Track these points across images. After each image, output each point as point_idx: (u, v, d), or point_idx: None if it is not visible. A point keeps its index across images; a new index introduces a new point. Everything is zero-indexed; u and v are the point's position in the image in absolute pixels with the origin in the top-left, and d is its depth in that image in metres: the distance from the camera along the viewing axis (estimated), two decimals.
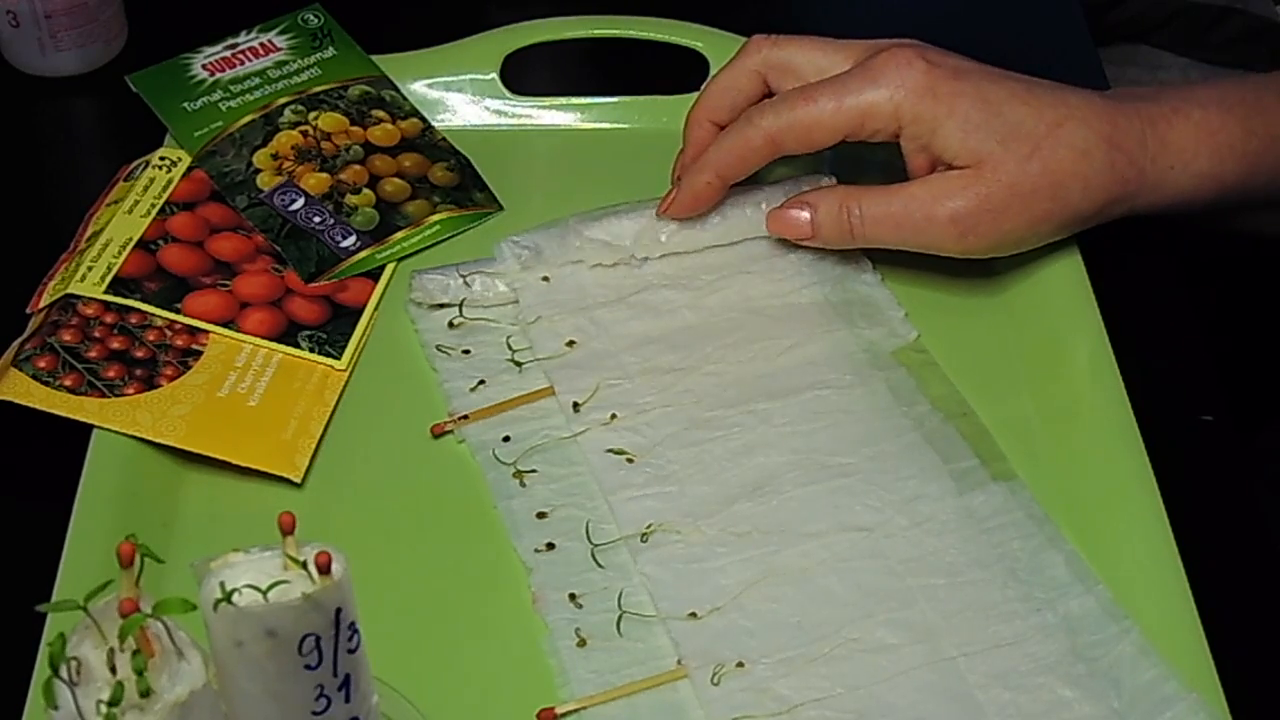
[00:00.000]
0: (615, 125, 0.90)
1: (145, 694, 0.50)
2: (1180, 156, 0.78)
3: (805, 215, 0.80)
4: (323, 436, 0.76)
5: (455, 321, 0.80)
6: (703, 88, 0.83)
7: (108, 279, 0.80)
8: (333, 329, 0.80)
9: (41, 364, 0.76)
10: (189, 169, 0.86)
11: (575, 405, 0.76)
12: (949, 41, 0.80)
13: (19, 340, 0.77)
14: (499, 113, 0.91)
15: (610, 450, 0.75)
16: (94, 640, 0.51)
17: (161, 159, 0.86)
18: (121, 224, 0.82)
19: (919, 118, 0.76)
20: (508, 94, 0.91)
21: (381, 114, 0.89)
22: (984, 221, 0.77)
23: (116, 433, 0.74)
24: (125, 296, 0.79)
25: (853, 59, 0.79)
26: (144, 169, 0.86)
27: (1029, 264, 0.82)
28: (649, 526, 0.72)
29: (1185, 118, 0.78)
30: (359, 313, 0.81)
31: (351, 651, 0.52)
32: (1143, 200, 0.79)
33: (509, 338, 0.80)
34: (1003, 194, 0.77)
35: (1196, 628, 0.67)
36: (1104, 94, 0.80)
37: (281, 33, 0.92)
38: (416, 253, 0.84)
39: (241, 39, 0.92)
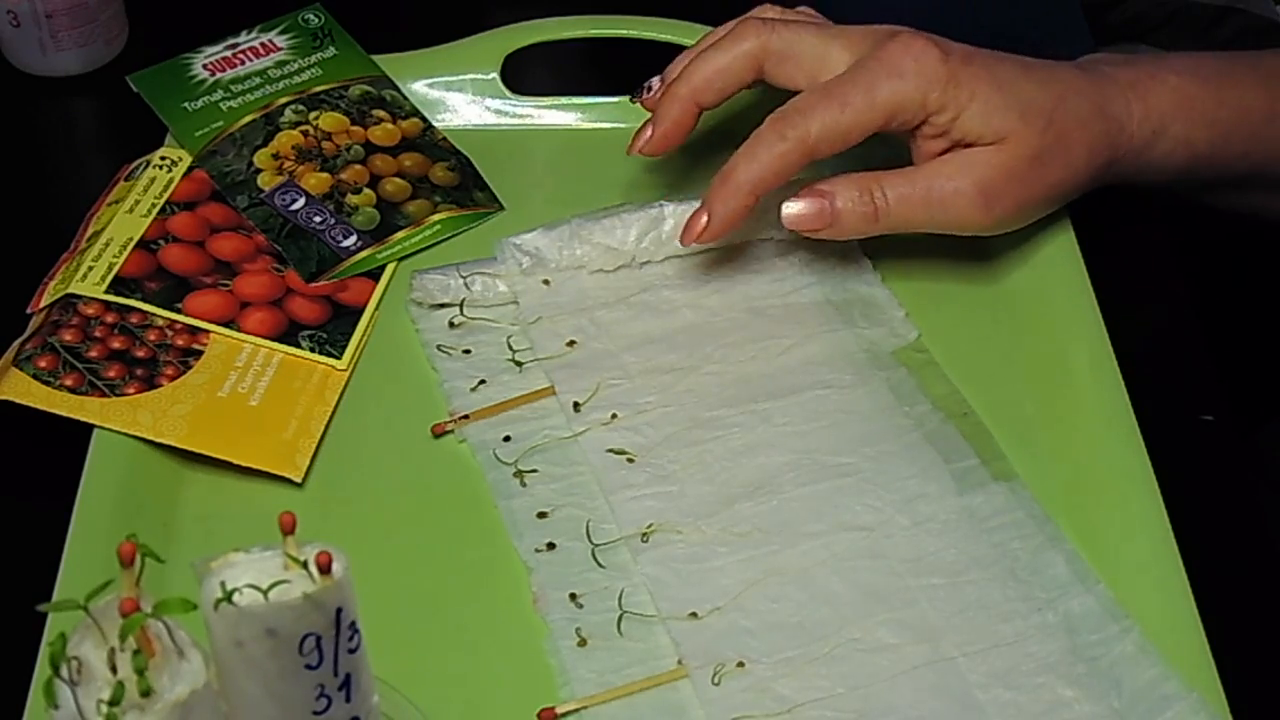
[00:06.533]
0: (615, 125, 0.90)
1: (146, 694, 0.50)
2: (1160, 121, 0.80)
3: (824, 205, 0.78)
4: (323, 436, 0.76)
5: (456, 321, 0.80)
6: (690, 64, 0.80)
7: (108, 279, 0.80)
8: (333, 329, 0.80)
9: (42, 364, 0.76)
10: (189, 169, 0.86)
11: (576, 405, 0.76)
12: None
13: (19, 340, 0.77)
14: (499, 112, 0.91)
15: (611, 450, 0.75)
16: (94, 640, 0.51)
17: (162, 159, 0.86)
18: (122, 224, 0.82)
19: (944, 106, 0.77)
20: (508, 94, 0.91)
21: (382, 114, 0.89)
22: (1008, 192, 0.78)
23: (117, 432, 0.74)
24: (126, 296, 0.79)
25: (850, 46, 0.78)
26: (144, 169, 0.86)
27: (1030, 263, 0.82)
28: (649, 526, 0.72)
29: (1161, 83, 0.80)
30: (359, 312, 0.81)
31: (352, 651, 0.52)
32: (1127, 165, 0.80)
33: (509, 337, 0.80)
34: (1025, 164, 0.78)
35: (1197, 628, 0.67)
36: (1079, 64, 0.81)
37: (282, 32, 0.92)
38: (417, 252, 0.84)
39: (242, 39, 0.92)
